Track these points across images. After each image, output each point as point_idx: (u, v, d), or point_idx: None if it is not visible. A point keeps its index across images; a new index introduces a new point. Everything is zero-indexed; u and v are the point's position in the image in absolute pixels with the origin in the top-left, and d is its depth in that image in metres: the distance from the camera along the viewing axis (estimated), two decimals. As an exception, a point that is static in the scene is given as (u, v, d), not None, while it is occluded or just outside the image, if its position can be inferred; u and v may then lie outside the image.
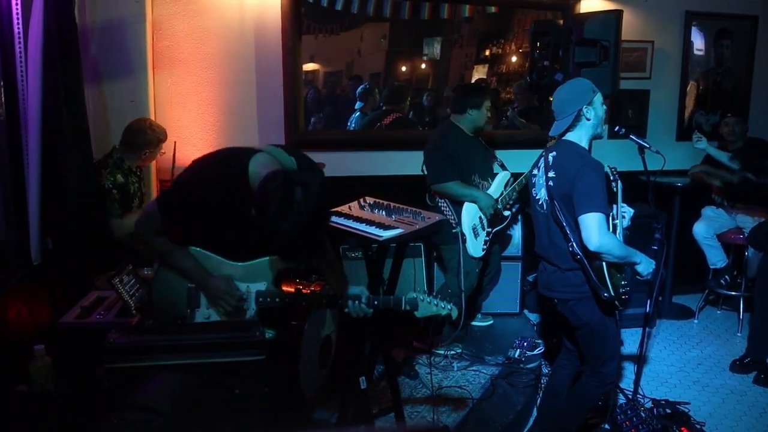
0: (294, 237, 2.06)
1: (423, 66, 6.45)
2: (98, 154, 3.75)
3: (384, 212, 3.20)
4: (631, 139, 3.33)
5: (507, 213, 4.34)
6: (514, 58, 6.13)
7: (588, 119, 2.99)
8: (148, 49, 4.28)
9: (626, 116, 5.58)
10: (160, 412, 2.00)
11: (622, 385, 3.93)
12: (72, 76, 3.33)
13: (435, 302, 2.52)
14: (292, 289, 2.57)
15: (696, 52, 5.75)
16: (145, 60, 4.26)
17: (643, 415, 3.45)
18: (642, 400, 3.68)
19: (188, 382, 2.04)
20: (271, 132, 4.71)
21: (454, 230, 4.12)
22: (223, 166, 2.36)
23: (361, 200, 3.37)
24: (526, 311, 5.05)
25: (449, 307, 2.52)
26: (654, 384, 4.18)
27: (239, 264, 2.42)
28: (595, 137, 3.11)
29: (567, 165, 2.93)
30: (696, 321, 5.32)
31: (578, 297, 2.99)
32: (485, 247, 4.24)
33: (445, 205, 4.18)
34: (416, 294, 2.52)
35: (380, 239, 2.88)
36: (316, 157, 2.66)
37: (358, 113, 5.50)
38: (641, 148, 3.32)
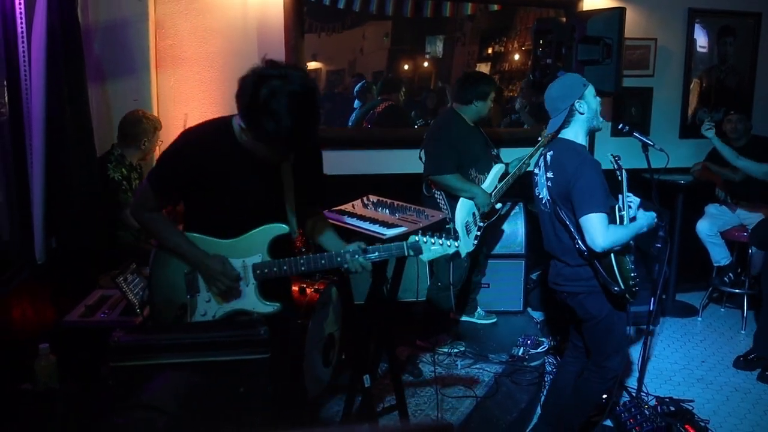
0: (292, 133, 2.06)
1: (425, 64, 6.44)
2: (101, 153, 3.76)
3: (387, 210, 3.20)
4: (635, 137, 3.32)
5: (499, 206, 4.33)
6: (516, 56, 6.11)
7: (581, 113, 2.99)
8: (151, 48, 4.28)
9: (629, 114, 5.57)
10: (164, 411, 2.00)
11: (626, 383, 3.93)
12: (75, 75, 3.34)
13: (440, 242, 2.41)
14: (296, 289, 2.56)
15: (699, 49, 5.73)
16: (148, 59, 4.26)
17: (646, 412, 3.45)
18: (646, 398, 3.68)
19: (193, 381, 2.04)
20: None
21: (447, 225, 4.11)
22: (207, 129, 2.36)
23: (364, 198, 3.37)
24: (529, 309, 5.04)
25: (456, 244, 2.41)
26: (658, 382, 4.18)
27: (233, 240, 2.39)
28: (593, 130, 3.11)
29: (564, 164, 2.93)
30: (700, 319, 5.31)
31: (588, 290, 3.00)
32: (476, 242, 4.24)
33: (441, 197, 4.17)
34: (418, 237, 2.42)
35: (384, 237, 2.88)
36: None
37: (357, 112, 5.49)
38: (645, 146, 3.32)
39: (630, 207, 3.04)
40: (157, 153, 4.25)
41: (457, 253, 2.46)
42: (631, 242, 2.97)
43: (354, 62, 6.13)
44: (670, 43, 5.58)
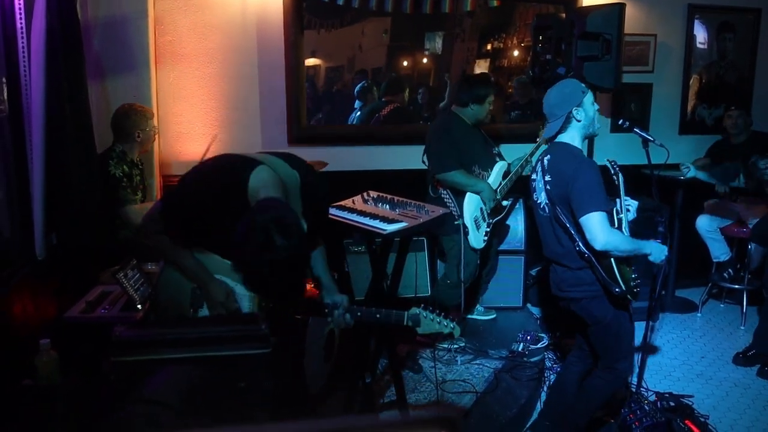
0: (268, 270, 2.05)
1: (425, 60, 6.43)
2: (101, 150, 3.76)
3: (388, 206, 3.20)
4: (635, 133, 3.32)
5: (505, 203, 4.35)
6: (516, 53, 6.11)
7: (578, 120, 3.00)
8: (150, 44, 4.28)
9: (629, 110, 5.58)
10: (165, 405, 2.01)
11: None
12: (75, 71, 3.33)
13: (438, 320, 2.46)
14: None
15: (699, 45, 5.73)
16: (148, 55, 4.26)
17: (646, 408, 3.45)
18: (646, 393, 3.69)
19: (194, 376, 2.05)
20: (274, 126, 4.71)
21: (456, 222, 4.13)
22: (222, 174, 2.36)
23: (365, 194, 3.38)
24: (529, 305, 5.05)
25: (452, 326, 2.47)
26: (657, 377, 4.19)
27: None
28: (590, 136, 3.12)
29: (562, 167, 2.94)
30: (699, 314, 5.32)
31: (591, 295, 2.99)
32: (486, 238, 4.26)
33: (447, 196, 4.18)
34: (419, 310, 2.46)
35: (384, 233, 2.88)
36: (319, 152, 2.67)
37: (358, 113, 5.49)
38: (645, 142, 3.32)
39: (628, 210, 3.05)
40: (156, 146, 4.25)
41: (450, 334, 2.51)
42: (631, 256, 2.96)
43: (353, 59, 6.12)
44: (670, 39, 5.58)
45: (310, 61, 5.23)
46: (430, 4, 5.27)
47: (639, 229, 3.19)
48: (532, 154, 4.28)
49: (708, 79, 5.83)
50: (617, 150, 3.96)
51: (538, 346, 4.21)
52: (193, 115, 4.57)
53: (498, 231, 4.61)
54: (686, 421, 3.41)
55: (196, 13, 4.46)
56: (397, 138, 5.07)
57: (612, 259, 2.86)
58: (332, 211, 3.01)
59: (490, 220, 4.28)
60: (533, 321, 4.79)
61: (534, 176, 3.17)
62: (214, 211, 2.28)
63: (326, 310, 2.43)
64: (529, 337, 4.26)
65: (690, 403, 3.66)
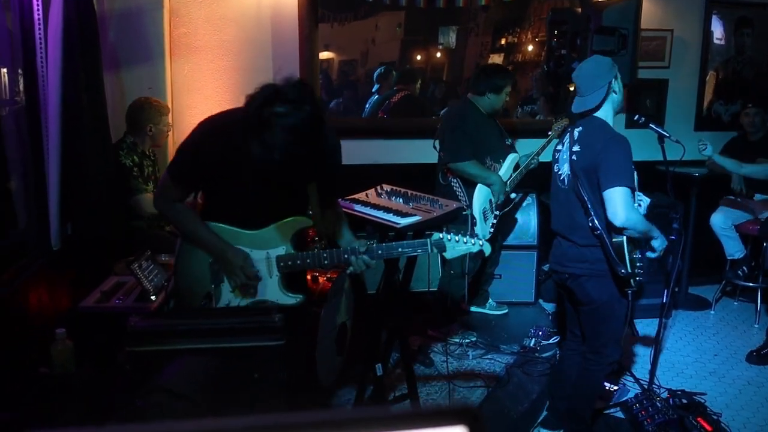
0: (289, 159, 2.04)
1: (438, 55, 6.42)
2: (115, 141, 3.79)
3: (401, 199, 3.20)
4: (651, 128, 3.30)
5: (513, 195, 4.35)
6: (530, 47, 6.09)
7: (615, 93, 3.00)
8: (165, 36, 4.30)
9: (644, 105, 5.53)
10: (180, 395, 2.03)
11: (638, 375, 3.93)
12: (91, 63, 3.36)
13: (464, 239, 2.37)
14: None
15: (716, 40, 5.68)
16: (163, 47, 4.28)
17: (658, 405, 3.44)
18: (658, 390, 3.67)
19: (209, 366, 2.06)
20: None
21: (464, 212, 4.12)
22: (225, 120, 2.36)
23: (378, 187, 3.37)
24: (541, 301, 5.04)
25: (480, 242, 2.37)
26: (670, 374, 4.16)
27: (257, 231, 2.41)
28: (617, 113, 3.10)
29: (593, 139, 2.93)
30: (712, 312, 5.28)
31: (590, 274, 2.99)
32: (492, 230, 4.26)
33: (457, 185, 4.18)
34: (442, 234, 2.39)
35: (398, 226, 2.88)
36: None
37: (375, 96, 5.48)
38: (661, 138, 3.30)
39: (640, 205, 3.04)
40: (171, 139, 4.28)
41: (481, 252, 2.43)
42: (641, 238, 2.97)
43: (366, 53, 6.12)
44: (687, 34, 5.53)
45: (324, 55, 5.24)
46: (445, -2, 5.27)
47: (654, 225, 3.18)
48: (541, 151, 4.29)
49: (725, 75, 5.77)
50: (632, 145, 3.90)
51: (550, 341, 4.21)
52: (207, 107, 4.57)
53: (504, 223, 4.61)
54: (698, 419, 3.39)
55: (212, 6, 4.47)
56: (412, 131, 5.06)
57: (624, 239, 2.85)
58: (345, 204, 3.01)
59: (498, 213, 4.28)
60: (545, 316, 4.78)
61: (559, 147, 3.16)
62: (225, 157, 2.27)
63: (345, 257, 2.41)
64: (540, 333, 4.26)
65: (702, 401, 3.64)
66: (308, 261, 2.42)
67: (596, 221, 2.88)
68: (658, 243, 2.98)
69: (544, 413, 3.61)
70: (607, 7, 4.43)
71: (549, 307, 4.97)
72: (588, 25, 4.41)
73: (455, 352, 4.08)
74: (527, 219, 4.87)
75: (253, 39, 4.58)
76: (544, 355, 4.08)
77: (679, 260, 3.56)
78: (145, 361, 2.06)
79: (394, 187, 3.35)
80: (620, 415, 3.62)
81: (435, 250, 2.42)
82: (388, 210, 3.00)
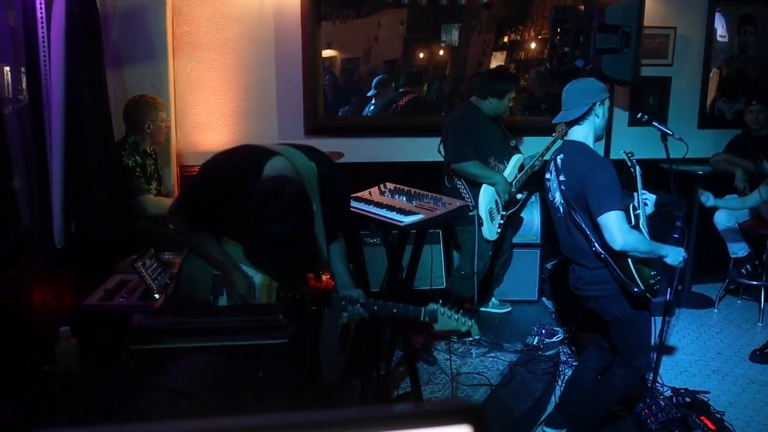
0: (279, 244, 2.11)
1: (441, 53, 6.40)
2: (117, 139, 3.78)
3: (405, 198, 3.20)
4: (654, 126, 3.30)
5: (520, 196, 4.35)
6: (533, 45, 6.07)
7: (597, 117, 2.98)
8: (168, 34, 4.29)
9: (647, 103, 5.52)
10: (184, 393, 2.03)
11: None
12: (94, 60, 3.36)
13: (456, 317, 2.42)
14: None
15: (719, 38, 5.66)
16: (166, 45, 4.28)
17: (662, 403, 3.43)
18: (661, 389, 3.67)
19: (213, 365, 2.06)
20: (290, 117, 4.72)
21: (471, 213, 4.12)
22: (239, 162, 2.37)
23: (382, 186, 3.37)
24: (544, 299, 5.03)
25: (470, 324, 2.42)
26: (673, 373, 4.16)
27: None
28: (597, 139, 3.09)
29: (576, 166, 2.92)
30: (716, 310, 5.27)
31: (608, 293, 2.98)
32: (499, 230, 4.26)
33: (462, 186, 4.18)
34: (437, 306, 2.42)
35: (401, 225, 2.88)
36: (336, 143, 2.67)
37: (371, 105, 5.47)
38: (664, 136, 3.29)
39: (646, 204, 3.02)
40: (173, 136, 4.27)
41: (468, 333, 2.46)
42: (651, 257, 2.94)
43: (369, 50, 6.11)
44: (690, 32, 5.51)
45: (327, 53, 5.23)
46: (447, -5, 5.25)
47: (656, 224, 3.17)
48: (547, 149, 4.27)
49: (728, 72, 5.76)
50: (635, 144, 3.92)
51: (553, 339, 4.20)
52: (210, 105, 4.58)
53: (512, 223, 4.61)
54: (702, 417, 3.39)
55: (214, 4, 4.47)
56: (415, 129, 5.05)
57: (629, 260, 2.83)
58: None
59: (504, 212, 4.28)
60: (548, 314, 4.77)
61: (548, 175, 3.15)
62: (232, 199, 2.29)
63: (342, 304, 2.43)
64: (544, 331, 4.25)
65: (706, 399, 3.64)
66: (307, 298, 2.46)
67: (598, 246, 2.87)
68: (671, 259, 2.94)
69: (548, 411, 3.61)
70: (610, 5, 4.42)
71: (552, 305, 4.97)
72: (591, 23, 4.41)
73: (458, 350, 4.07)
74: (531, 217, 4.87)
75: (256, 37, 4.58)
76: (547, 353, 4.08)
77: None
78: (149, 359, 2.06)
79: (398, 186, 3.35)
80: (624, 413, 3.61)
81: (427, 319, 2.43)
82: (391, 208, 3.00)
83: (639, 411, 3.44)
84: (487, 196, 4.17)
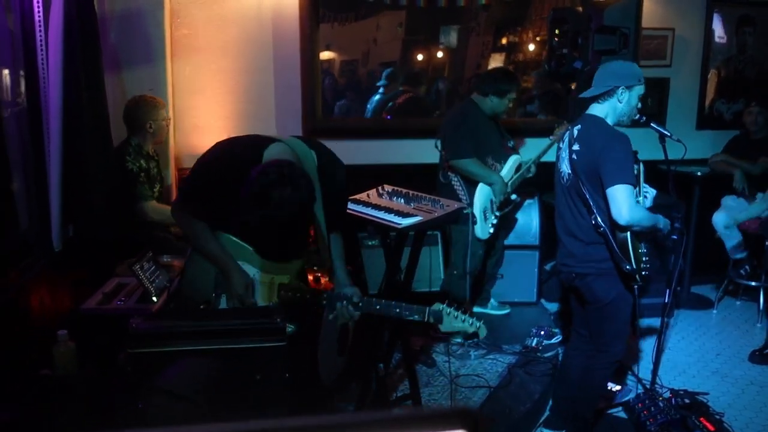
0: (275, 231, 2.14)
1: (439, 54, 6.41)
2: (117, 142, 3.78)
3: (403, 200, 3.19)
4: (652, 128, 3.30)
5: (514, 197, 4.35)
6: (531, 47, 6.07)
7: (619, 102, 2.99)
8: (166, 37, 4.30)
9: (646, 104, 5.50)
10: (181, 396, 2.02)
11: (640, 375, 3.92)
12: (92, 63, 3.35)
13: (462, 317, 2.35)
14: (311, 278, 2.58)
15: (717, 39, 5.66)
16: (164, 48, 4.28)
17: (661, 404, 3.43)
18: (660, 390, 3.67)
19: (210, 368, 2.06)
20: (289, 120, 4.72)
21: (465, 211, 4.12)
22: (239, 150, 2.38)
23: (380, 188, 3.37)
24: (543, 300, 5.03)
25: (477, 324, 2.35)
26: (672, 374, 4.16)
27: (267, 260, 2.46)
28: (620, 123, 3.09)
29: (593, 138, 2.93)
30: (715, 311, 5.27)
31: (597, 272, 3.00)
32: (492, 230, 4.27)
33: (457, 183, 4.19)
34: (442, 306, 2.36)
35: (399, 227, 2.88)
36: (334, 145, 2.66)
37: (378, 95, 5.47)
38: (662, 137, 3.30)
39: (646, 197, 3.04)
40: (171, 136, 4.27)
41: (475, 333, 2.39)
42: (646, 231, 2.97)
43: (368, 52, 6.11)
44: (688, 33, 5.52)
45: (325, 55, 5.22)
46: (446, -3, 5.25)
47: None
48: (540, 157, 4.30)
49: (727, 73, 5.76)
50: (634, 145, 3.91)
51: (552, 341, 4.20)
52: (208, 107, 4.58)
53: (505, 224, 4.61)
54: (701, 419, 3.39)
55: (212, 6, 4.47)
56: (414, 131, 5.06)
57: (628, 235, 2.85)
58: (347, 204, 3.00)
59: (499, 213, 4.28)
60: (547, 316, 4.77)
61: (561, 144, 3.16)
62: (232, 188, 2.28)
63: (332, 302, 2.41)
64: (542, 332, 4.24)
65: (705, 401, 3.64)
66: (308, 296, 2.45)
67: (599, 219, 2.89)
68: (663, 224, 3.01)
69: (547, 413, 3.61)
70: (608, 6, 4.43)
71: (551, 306, 4.97)
72: (589, 25, 4.40)
73: (457, 353, 4.07)
74: (529, 219, 4.87)
75: (254, 40, 4.58)
76: (546, 355, 4.07)
77: (681, 259, 3.55)
78: (147, 362, 2.06)
79: (396, 188, 3.35)
80: (623, 415, 3.62)
81: (432, 320, 2.37)
82: (389, 210, 3.00)
83: (638, 412, 3.44)
84: (482, 196, 4.18)
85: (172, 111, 4.39)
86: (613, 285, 3.00)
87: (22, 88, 3.09)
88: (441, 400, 3.51)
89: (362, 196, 3.27)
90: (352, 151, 4.38)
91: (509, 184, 4.26)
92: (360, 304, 2.40)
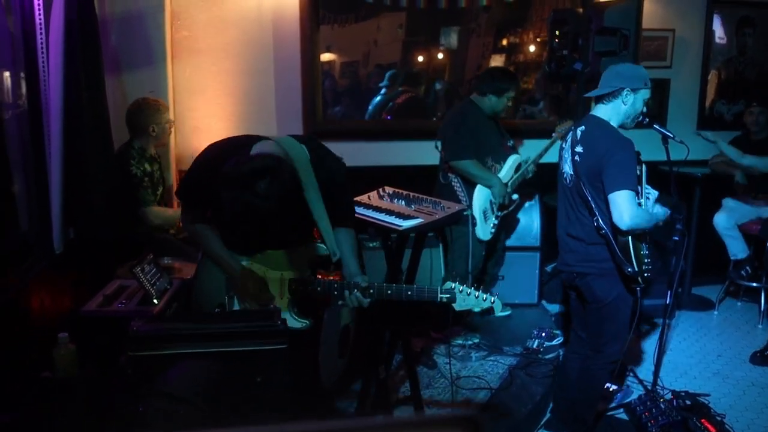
0: (267, 222, 2.11)
1: (440, 56, 6.41)
2: (118, 144, 3.78)
3: (403, 202, 3.19)
4: (655, 129, 3.30)
5: (515, 197, 4.35)
6: (532, 48, 6.07)
7: (624, 104, 2.99)
8: (166, 39, 4.30)
9: (647, 105, 5.51)
10: (182, 399, 2.02)
11: (641, 377, 3.92)
12: (93, 65, 3.35)
13: (475, 293, 2.33)
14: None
15: (718, 40, 5.67)
16: (164, 50, 4.28)
17: (662, 406, 3.43)
18: (661, 392, 3.66)
19: (211, 370, 2.05)
20: (289, 121, 4.72)
21: (465, 212, 4.12)
22: (228, 149, 2.38)
23: (380, 190, 3.37)
24: (544, 302, 5.03)
25: (491, 299, 2.32)
26: (674, 375, 4.15)
27: (270, 252, 2.47)
28: (624, 126, 3.10)
29: (596, 141, 2.94)
30: (716, 312, 5.27)
31: (598, 272, 3.00)
32: (493, 231, 4.27)
33: (457, 183, 4.19)
34: (454, 284, 2.34)
35: (400, 229, 2.88)
36: (334, 147, 2.66)
37: (379, 97, 5.48)
38: (665, 138, 3.29)
39: (648, 198, 3.04)
40: (172, 140, 4.27)
41: (491, 309, 2.37)
42: (647, 230, 2.98)
43: (368, 54, 6.11)
44: (688, 34, 5.52)
45: (325, 57, 5.22)
46: (446, -1, 5.25)
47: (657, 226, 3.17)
48: (540, 156, 4.29)
49: (727, 74, 5.77)
50: (636, 146, 3.91)
51: (553, 343, 4.20)
52: (208, 109, 4.58)
53: (506, 225, 4.61)
54: (702, 420, 3.38)
55: (213, 8, 4.47)
56: (414, 133, 5.06)
57: (629, 237, 2.85)
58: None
59: (499, 213, 4.29)
60: (548, 318, 4.77)
61: (563, 145, 3.16)
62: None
63: (342, 290, 2.41)
64: (544, 334, 4.24)
65: (706, 402, 3.63)
66: (318, 289, 2.45)
67: (600, 221, 2.89)
68: (662, 212, 3.02)
69: (548, 415, 3.61)
70: (608, 8, 4.42)
71: (552, 308, 4.96)
72: (589, 26, 4.40)
73: (458, 354, 4.07)
74: (530, 220, 4.87)
75: (255, 41, 4.58)
76: (547, 356, 4.07)
77: (683, 261, 3.55)
78: (147, 365, 2.06)
79: (396, 190, 3.35)
80: (624, 416, 3.61)
81: (444, 299, 2.35)
82: (390, 212, 3.00)
83: (639, 414, 3.44)
84: (482, 197, 4.18)
85: (173, 113, 4.39)
86: (614, 285, 3.00)
87: (23, 89, 3.08)
88: (442, 401, 3.50)
89: (363, 198, 3.26)
90: (352, 153, 4.39)
91: (509, 184, 4.26)
92: (371, 291, 2.39)
